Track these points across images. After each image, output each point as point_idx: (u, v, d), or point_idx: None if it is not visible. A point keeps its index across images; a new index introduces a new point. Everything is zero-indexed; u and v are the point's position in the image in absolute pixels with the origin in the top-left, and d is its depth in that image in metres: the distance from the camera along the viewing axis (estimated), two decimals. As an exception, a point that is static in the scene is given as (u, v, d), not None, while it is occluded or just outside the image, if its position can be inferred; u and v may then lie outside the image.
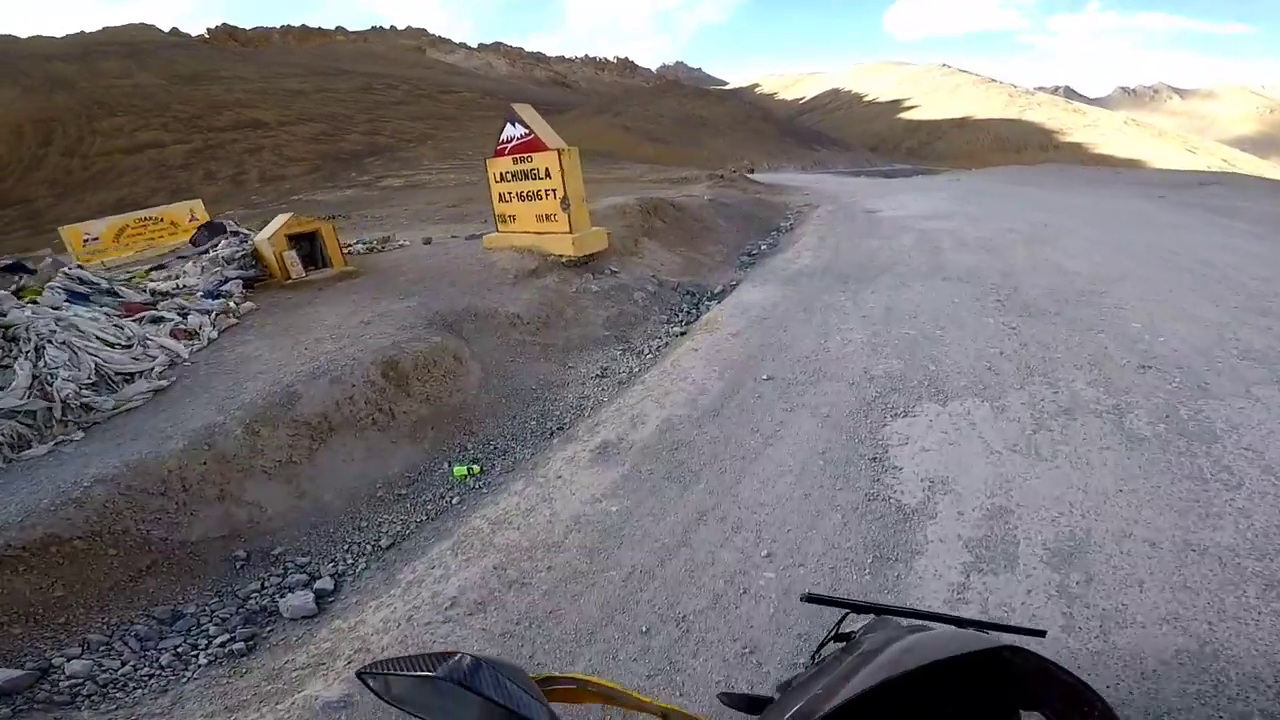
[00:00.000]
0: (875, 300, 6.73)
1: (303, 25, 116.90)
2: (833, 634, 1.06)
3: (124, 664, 2.96)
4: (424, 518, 4.00)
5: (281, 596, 3.36)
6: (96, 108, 57.32)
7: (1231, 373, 4.33)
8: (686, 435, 4.34)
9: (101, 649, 3.03)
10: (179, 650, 3.05)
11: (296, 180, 44.56)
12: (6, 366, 4.82)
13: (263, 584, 3.49)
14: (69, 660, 2.92)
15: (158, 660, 2.99)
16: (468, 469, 4.44)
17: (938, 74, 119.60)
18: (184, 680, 2.88)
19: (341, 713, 2.46)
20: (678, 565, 3.09)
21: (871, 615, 1.04)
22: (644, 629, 2.71)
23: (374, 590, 3.31)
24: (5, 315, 5.29)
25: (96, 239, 15.61)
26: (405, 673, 0.70)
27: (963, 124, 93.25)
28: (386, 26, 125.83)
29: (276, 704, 2.58)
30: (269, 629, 3.19)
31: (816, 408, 4.47)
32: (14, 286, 6.71)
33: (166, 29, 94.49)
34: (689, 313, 7.53)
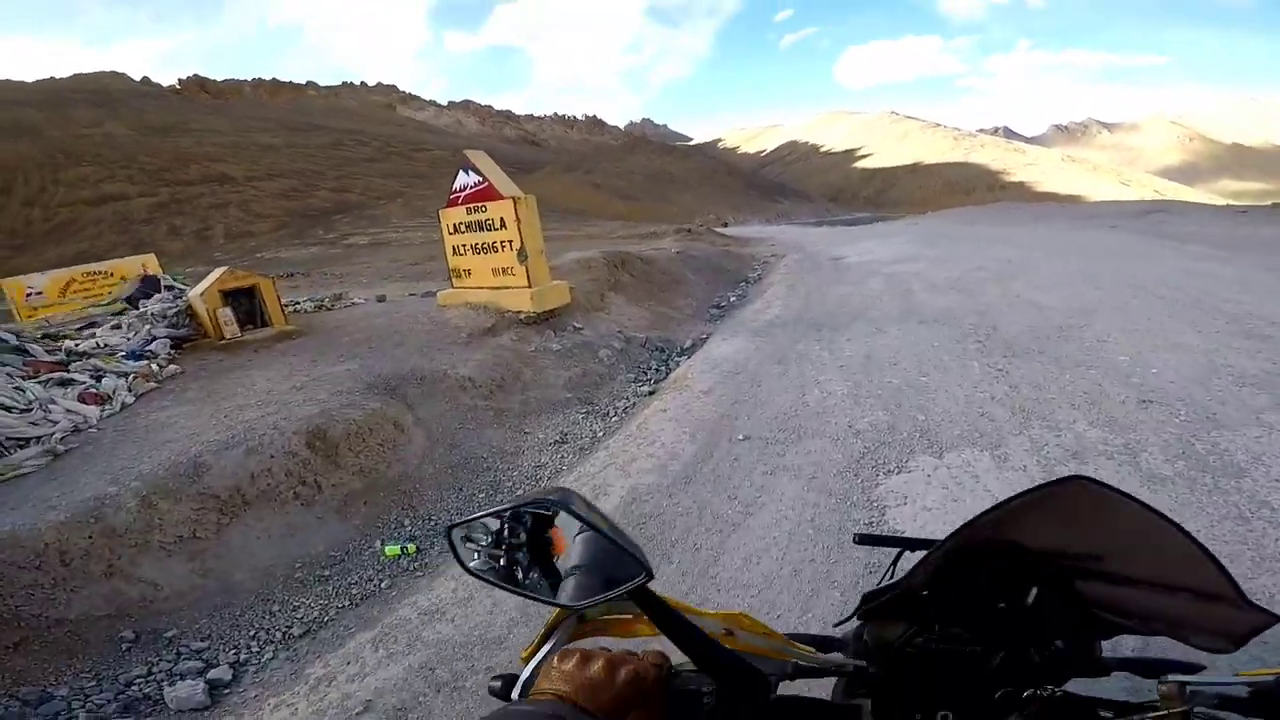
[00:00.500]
0: (852, 348, 6.44)
1: (274, 79, 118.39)
2: (889, 575, 0.97)
3: (-27, 746, 2.57)
4: (346, 603, 3.52)
5: (171, 684, 2.98)
6: (62, 156, 56.23)
7: (1236, 401, 4.10)
8: (655, 507, 3.84)
9: (-50, 729, 2.60)
10: (38, 737, 2.70)
11: (263, 237, 43.89)
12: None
13: (150, 669, 3.10)
14: (-90, 739, 2.65)
15: (11, 745, 2.61)
16: (401, 548, 3.90)
17: (887, 121, 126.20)
18: (38, 770, 2.43)
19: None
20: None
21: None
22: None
23: (277, 685, 2.93)
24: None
25: (40, 293, 14.75)
26: (514, 506, 0.64)
27: (914, 169, 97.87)
28: (358, 82, 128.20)
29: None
30: (148, 720, 2.79)
31: (800, 469, 4.06)
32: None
33: (138, 78, 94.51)
34: (658, 370, 7.13)
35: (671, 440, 4.79)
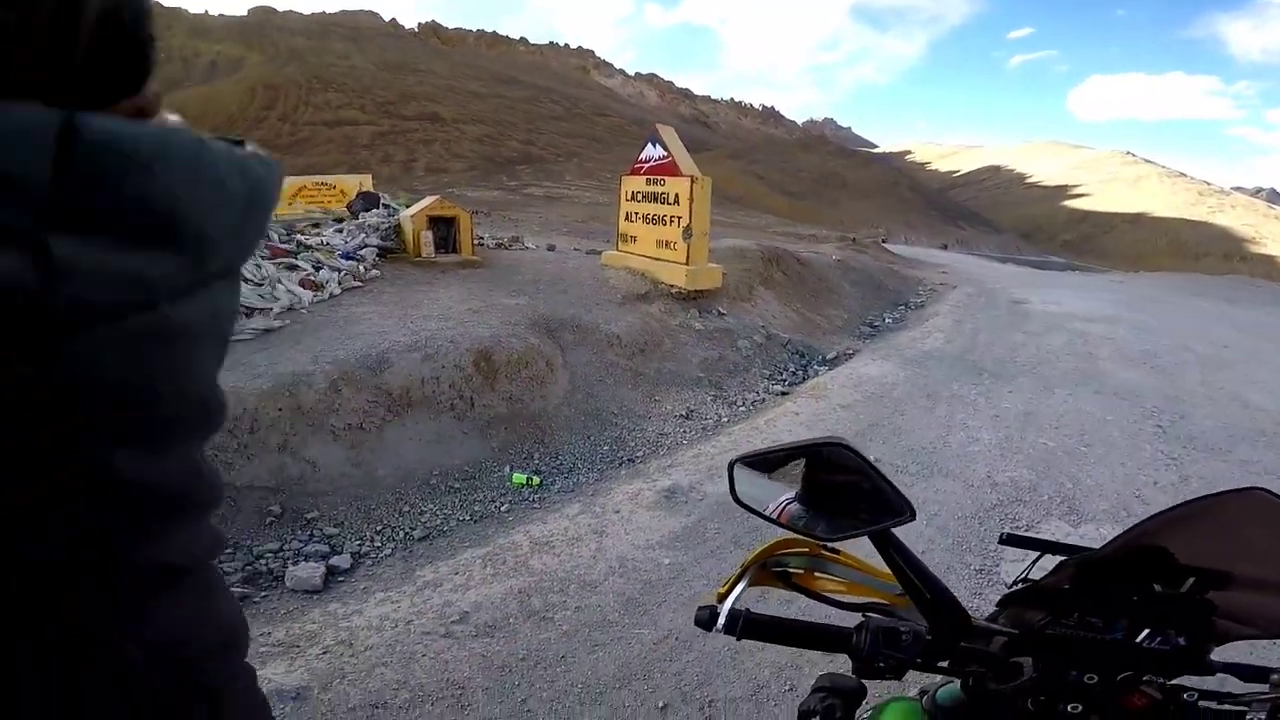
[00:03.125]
0: (1012, 401, 5.92)
1: (494, 32, 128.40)
2: (1024, 575, 1.00)
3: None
4: (467, 517, 3.84)
5: (295, 564, 3.22)
6: (316, 82, 65.96)
7: None
8: (767, 503, 3.90)
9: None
10: (153, 597, 3.06)
11: (456, 175, 48.49)
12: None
13: (282, 545, 3.39)
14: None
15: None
16: (527, 479, 4.26)
17: (1119, 161, 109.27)
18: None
19: (289, 704, 2.24)
20: (720, 642, 2.63)
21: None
22: (660, 704, 2.36)
23: (387, 581, 3.12)
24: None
25: (277, 195, 17.65)
26: (792, 446, 0.73)
27: (1137, 220, 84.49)
28: (561, 44, 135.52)
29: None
30: (264, 594, 3.04)
31: (923, 503, 3.90)
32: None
33: (388, 18, 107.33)
34: (794, 373, 7.05)
35: (797, 443, 4.77)
